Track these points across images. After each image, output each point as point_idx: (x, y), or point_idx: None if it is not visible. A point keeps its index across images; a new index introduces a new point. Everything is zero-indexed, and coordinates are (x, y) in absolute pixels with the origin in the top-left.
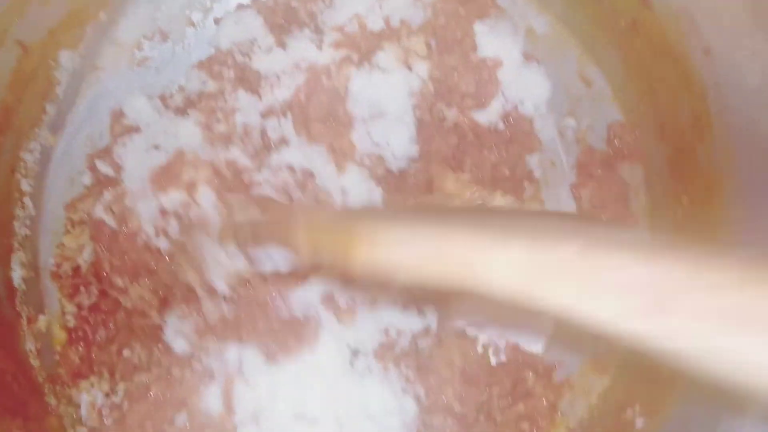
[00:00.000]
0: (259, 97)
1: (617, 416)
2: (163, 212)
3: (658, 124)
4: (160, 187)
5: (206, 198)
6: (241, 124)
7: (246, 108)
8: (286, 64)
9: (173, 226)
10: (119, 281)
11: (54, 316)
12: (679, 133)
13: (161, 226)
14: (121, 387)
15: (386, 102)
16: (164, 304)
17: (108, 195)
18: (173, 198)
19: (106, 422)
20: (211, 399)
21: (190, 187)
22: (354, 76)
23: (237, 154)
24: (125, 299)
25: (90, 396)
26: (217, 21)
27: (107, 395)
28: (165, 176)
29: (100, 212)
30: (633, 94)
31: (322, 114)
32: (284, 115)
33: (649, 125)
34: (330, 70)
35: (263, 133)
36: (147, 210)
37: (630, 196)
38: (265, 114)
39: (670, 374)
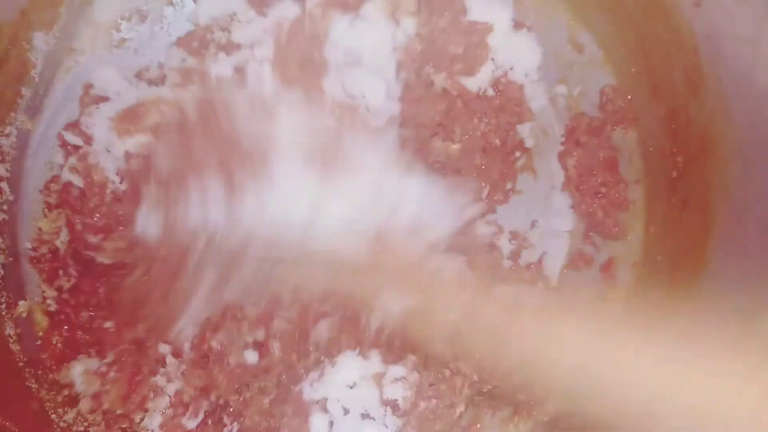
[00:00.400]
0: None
1: None
2: (128, 156)
3: (651, 85)
4: (125, 131)
5: None
6: (216, 76)
7: (222, 63)
8: (268, 26)
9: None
10: (92, 239)
11: (35, 302)
12: (673, 91)
13: (124, 170)
14: (110, 354)
15: (365, 52)
16: None
17: (72, 159)
18: (138, 141)
19: (110, 376)
20: None
21: (155, 129)
22: (336, 20)
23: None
24: (102, 256)
25: (83, 365)
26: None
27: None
28: (129, 119)
29: (66, 175)
30: (625, 56)
31: (300, 57)
32: (262, 62)
33: (642, 86)
34: (313, 16)
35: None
36: (111, 160)
37: (621, 160)
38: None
39: None
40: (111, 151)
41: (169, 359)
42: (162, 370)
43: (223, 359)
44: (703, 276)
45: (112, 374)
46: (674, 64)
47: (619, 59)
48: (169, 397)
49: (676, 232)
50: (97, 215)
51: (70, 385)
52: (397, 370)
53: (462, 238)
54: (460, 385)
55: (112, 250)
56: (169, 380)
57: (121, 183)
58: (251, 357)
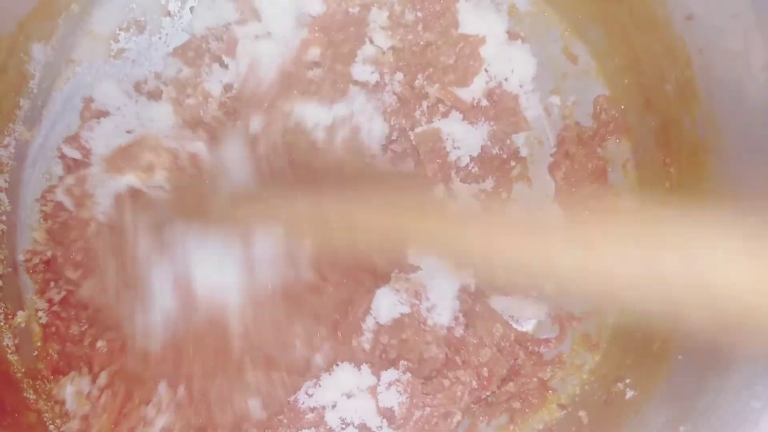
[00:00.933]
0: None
1: (608, 389)
2: (118, 198)
3: (644, 97)
4: (117, 169)
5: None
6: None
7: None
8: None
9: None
10: (71, 273)
11: (33, 312)
12: (665, 104)
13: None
14: (103, 375)
15: None
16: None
17: (71, 179)
18: (129, 180)
19: (101, 401)
20: None
21: (148, 170)
22: None
23: (200, 147)
24: (79, 295)
25: (75, 386)
26: (193, 9)
27: (93, 382)
28: (124, 158)
29: (60, 195)
30: (618, 67)
31: None
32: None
33: (635, 98)
34: None
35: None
36: (104, 196)
37: (614, 170)
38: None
39: (660, 347)
40: (104, 187)
41: (162, 387)
42: (154, 398)
43: (226, 404)
44: None
45: (103, 399)
46: (667, 77)
47: (612, 70)
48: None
49: None
50: (75, 250)
51: (62, 403)
52: (389, 375)
53: None
54: (460, 393)
55: (88, 296)
56: (159, 411)
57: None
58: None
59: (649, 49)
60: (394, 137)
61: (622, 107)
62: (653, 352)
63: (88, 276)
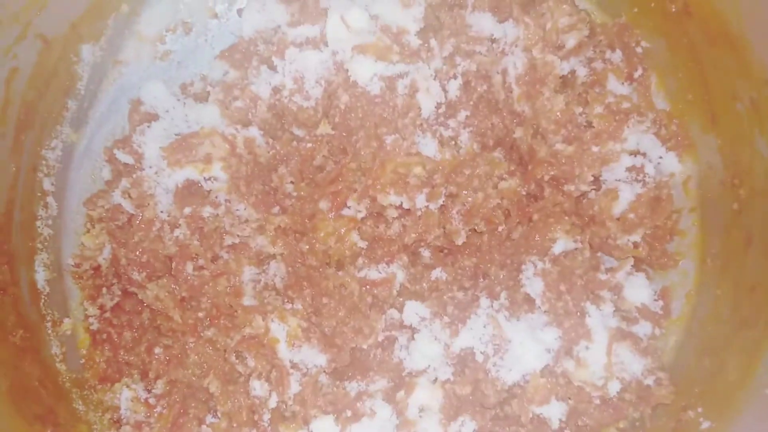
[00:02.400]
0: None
1: (675, 417)
2: (177, 192)
3: (710, 114)
4: (176, 162)
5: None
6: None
7: (264, 80)
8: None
9: (184, 227)
10: (136, 275)
11: (78, 319)
12: (735, 122)
13: (174, 220)
14: (159, 383)
15: None
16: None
17: (126, 182)
18: (188, 173)
19: (156, 410)
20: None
21: (206, 162)
22: None
23: (255, 133)
24: (144, 296)
25: (131, 391)
26: (240, 12)
27: (148, 390)
28: (181, 150)
29: (117, 197)
30: (681, 83)
31: None
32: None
33: (699, 114)
34: None
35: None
36: (164, 197)
37: (674, 187)
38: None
39: (739, 379)
40: (160, 175)
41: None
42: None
43: None
44: None
45: (159, 409)
46: (739, 96)
47: (674, 85)
48: None
49: (740, 267)
50: (140, 250)
51: (114, 409)
52: None
53: None
54: None
55: (153, 296)
56: None
57: (171, 232)
58: None
59: (721, 67)
60: None
61: (684, 123)
62: (730, 383)
63: (152, 280)
